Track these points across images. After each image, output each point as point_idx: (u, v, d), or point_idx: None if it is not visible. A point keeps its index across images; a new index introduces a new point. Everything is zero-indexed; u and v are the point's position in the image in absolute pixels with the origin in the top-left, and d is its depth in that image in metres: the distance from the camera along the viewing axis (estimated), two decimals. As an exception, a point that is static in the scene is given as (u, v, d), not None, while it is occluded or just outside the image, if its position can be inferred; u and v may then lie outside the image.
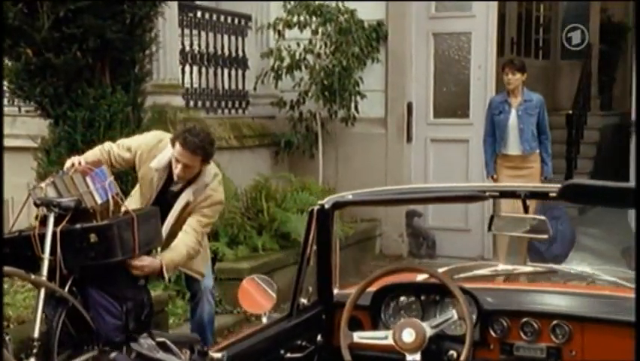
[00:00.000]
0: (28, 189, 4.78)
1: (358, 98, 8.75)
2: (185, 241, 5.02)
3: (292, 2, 8.61)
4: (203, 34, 8.57)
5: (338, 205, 3.26)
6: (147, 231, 4.77)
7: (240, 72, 9.12)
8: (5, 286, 5.58)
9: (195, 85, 8.47)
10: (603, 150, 13.80)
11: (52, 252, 4.52)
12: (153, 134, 5.29)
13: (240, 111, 9.16)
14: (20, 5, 6.15)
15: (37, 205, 4.59)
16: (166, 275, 5.05)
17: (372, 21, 8.91)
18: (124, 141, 5.24)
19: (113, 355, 2.60)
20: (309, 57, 8.68)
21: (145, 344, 2.43)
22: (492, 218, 3.33)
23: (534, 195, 3.15)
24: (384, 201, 3.52)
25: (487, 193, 3.06)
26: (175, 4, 7.63)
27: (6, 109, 6.94)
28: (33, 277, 4.46)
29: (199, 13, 8.48)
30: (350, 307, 3.18)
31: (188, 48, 8.28)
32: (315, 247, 3.40)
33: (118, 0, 6.30)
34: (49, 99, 6.41)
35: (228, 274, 6.85)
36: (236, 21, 9.04)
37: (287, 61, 8.65)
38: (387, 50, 9.02)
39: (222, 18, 8.83)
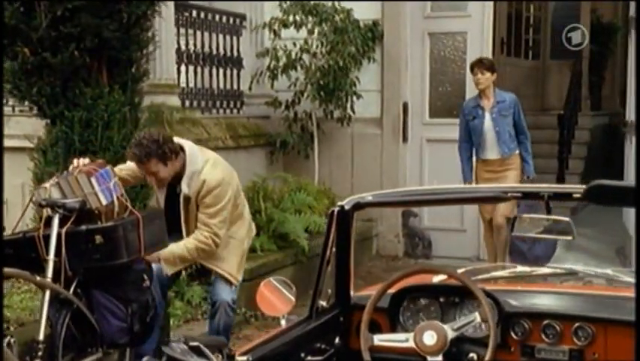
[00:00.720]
0: (32, 189, 4.71)
1: (354, 98, 8.71)
2: (193, 235, 5.07)
3: (288, 2, 8.57)
4: (197, 33, 8.51)
5: (358, 206, 3.21)
6: (152, 232, 4.73)
7: (234, 72, 9.07)
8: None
9: (191, 85, 8.41)
10: (593, 151, 13.83)
11: (57, 253, 4.47)
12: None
13: (235, 111, 9.11)
14: (17, 4, 6.08)
15: (41, 206, 4.53)
16: (164, 267, 5.08)
17: (367, 21, 8.89)
18: (130, 167, 5.28)
19: (145, 359, 2.54)
20: (305, 57, 8.63)
21: (178, 348, 2.38)
22: (514, 219, 3.30)
23: (558, 196, 3.11)
24: (405, 203, 3.47)
25: (510, 194, 3.03)
26: (171, 4, 7.58)
27: (0, 109, 6.85)
28: (38, 278, 4.40)
29: (194, 13, 8.42)
30: (370, 309, 3.15)
31: (183, 47, 8.22)
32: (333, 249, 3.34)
33: (115, -1, 6.25)
34: (46, 99, 6.34)
35: (226, 274, 6.80)
36: (231, 20, 9.00)
37: (283, 61, 8.60)
38: (382, 50, 9.00)
39: (217, 17, 8.78)
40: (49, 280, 4.43)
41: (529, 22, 15.56)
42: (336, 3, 8.58)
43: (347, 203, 3.20)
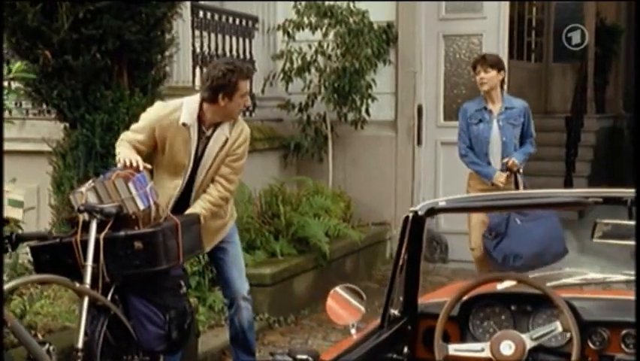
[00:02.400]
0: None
1: (369, 100, 8.64)
2: (208, 192, 4.93)
3: (303, 3, 8.49)
4: (210, 35, 8.43)
5: (432, 212, 3.12)
6: (190, 238, 4.65)
7: (247, 74, 8.97)
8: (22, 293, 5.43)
9: (206, 87, 8.31)
10: (599, 153, 13.82)
11: (95, 259, 4.38)
12: (155, 108, 5.10)
13: (247, 114, 9.01)
14: (39, 6, 6.00)
15: (80, 211, 4.43)
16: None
17: (381, 22, 8.82)
18: (134, 126, 5.05)
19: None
20: (320, 59, 8.56)
21: (283, 361, 2.31)
22: (595, 225, 3.22)
23: None
24: (480, 208, 3.39)
25: (590, 199, 2.96)
26: (188, 4, 7.49)
27: (14, 112, 6.76)
28: (78, 285, 4.31)
29: (208, 14, 8.35)
30: (444, 318, 3.06)
31: (198, 50, 8.14)
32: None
33: (137, 1, 6.16)
34: (67, 102, 6.25)
35: (249, 280, 6.71)
36: (243, 22, 8.92)
37: (298, 63, 8.53)
38: (397, 52, 8.93)
39: (231, 19, 8.70)
40: (87, 286, 4.34)
41: (531, 25, 15.53)
42: (352, 5, 8.51)
43: (420, 208, 3.11)
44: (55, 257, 4.46)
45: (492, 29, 8.74)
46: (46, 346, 4.18)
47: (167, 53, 6.56)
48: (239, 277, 5.22)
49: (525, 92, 12.08)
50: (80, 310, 4.33)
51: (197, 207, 4.91)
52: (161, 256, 4.43)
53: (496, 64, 6.59)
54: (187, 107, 4.93)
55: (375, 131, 8.98)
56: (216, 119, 4.94)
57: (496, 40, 8.72)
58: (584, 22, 14.61)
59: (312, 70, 8.63)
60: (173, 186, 5.00)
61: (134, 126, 5.06)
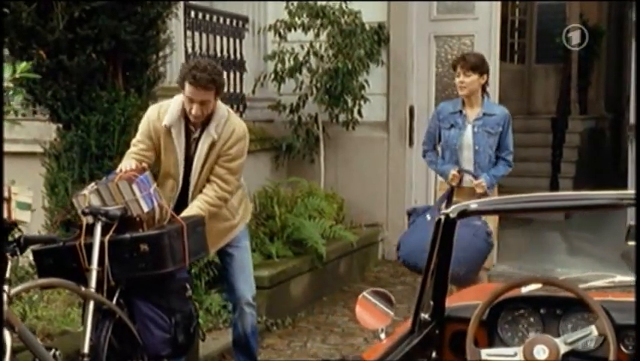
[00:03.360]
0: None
1: (362, 101, 8.60)
2: (204, 192, 4.82)
3: (295, 3, 8.44)
4: (202, 35, 8.35)
5: (463, 214, 3.07)
6: (195, 240, 4.59)
7: (237, 75, 8.92)
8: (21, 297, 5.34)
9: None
10: (583, 154, 13.86)
11: (100, 262, 4.31)
12: (148, 112, 5.05)
13: (238, 115, 8.93)
14: (34, 5, 5.90)
15: (84, 214, 4.36)
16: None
17: (373, 23, 8.78)
18: (134, 140, 5.02)
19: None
20: (312, 60, 8.51)
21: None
22: (629, 228, 3.17)
23: None
24: (512, 210, 3.33)
25: (625, 201, 2.90)
26: (181, 5, 7.41)
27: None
28: (83, 289, 4.23)
29: (200, 15, 8.27)
30: (475, 322, 3.01)
31: (190, 50, 8.06)
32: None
33: (133, 0, 6.08)
34: (62, 103, 6.16)
35: (247, 282, 6.67)
36: (233, 23, 8.85)
37: (290, 63, 8.48)
38: (388, 53, 8.90)
39: (221, 20, 8.63)
40: (93, 290, 4.27)
41: (514, 26, 15.57)
42: (344, 5, 8.46)
43: (452, 211, 3.05)
44: (59, 261, 4.39)
45: (484, 30, 8.73)
46: (52, 351, 4.11)
47: (162, 54, 6.49)
48: (244, 282, 5.14)
49: (507, 94, 12.10)
50: (85, 314, 4.26)
51: (194, 207, 4.83)
52: (167, 258, 4.37)
53: (477, 67, 5.94)
54: (172, 107, 4.85)
55: (366, 133, 8.94)
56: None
57: (488, 42, 8.70)
58: (567, 23, 14.65)
59: (304, 71, 8.56)
60: (170, 188, 4.95)
61: (134, 140, 5.01)
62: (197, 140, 4.86)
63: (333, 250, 7.64)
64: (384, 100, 8.99)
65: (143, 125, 4.97)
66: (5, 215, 3.71)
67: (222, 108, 4.92)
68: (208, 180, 4.89)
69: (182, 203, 4.92)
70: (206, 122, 4.82)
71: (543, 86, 15.42)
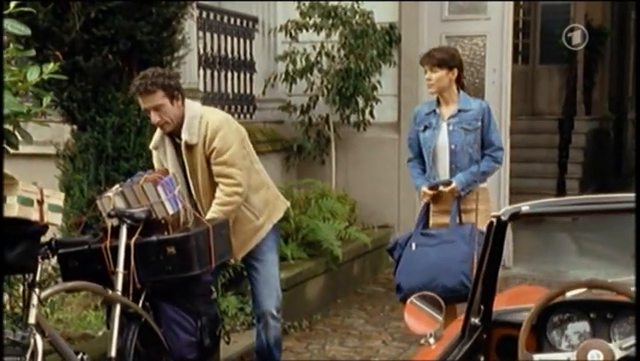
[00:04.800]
0: (97, 199, 4.49)
1: (373, 102, 8.56)
2: (217, 197, 4.76)
3: (307, 3, 8.39)
4: (213, 36, 8.32)
5: (515, 217, 3.00)
6: (221, 242, 4.54)
7: (247, 76, 8.88)
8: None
9: (208, 89, 8.21)
10: (588, 155, 13.84)
11: (126, 265, 4.26)
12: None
13: (248, 116, 8.91)
14: (51, 6, 5.85)
15: (110, 216, 4.31)
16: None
17: (384, 23, 8.73)
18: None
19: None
20: (324, 60, 8.46)
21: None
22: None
23: None
24: (565, 213, 3.27)
25: None
26: (194, 4, 7.36)
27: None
28: (110, 292, 4.18)
29: (211, 15, 8.23)
30: (527, 327, 2.96)
31: (202, 51, 8.02)
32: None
33: (149, 0, 6.04)
34: (77, 104, 6.12)
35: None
36: (243, 23, 8.81)
37: (301, 64, 8.43)
38: (399, 53, 8.85)
39: (232, 20, 8.59)
40: (119, 293, 4.22)
41: (518, 27, 15.52)
42: (356, 5, 8.41)
43: (504, 214, 2.99)
44: (84, 264, 4.33)
45: (496, 30, 8.66)
46: (80, 355, 4.06)
47: (176, 54, 6.44)
48: (268, 296, 5.03)
49: (512, 94, 12.06)
50: (112, 318, 4.21)
51: (210, 213, 4.78)
52: (194, 261, 4.32)
53: (445, 62, 5.48)
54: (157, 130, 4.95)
55: (377, 134, 8.89)
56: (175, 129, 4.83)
57: (500, 42, 8.65)
58: (571, 24, 14.62)
59: (315, 71, 8.52)
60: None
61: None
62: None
63: (347, 252, 7.59)
64: (395, 101, 8.94)
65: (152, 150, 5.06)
66: (37, 217, 3.66)
67: (193, 108, 4.83)
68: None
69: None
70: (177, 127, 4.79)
71: (547, 86, 15.39)
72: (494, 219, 3.00)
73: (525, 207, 2.99)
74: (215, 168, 4.75)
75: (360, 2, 8.49)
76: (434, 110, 5.58)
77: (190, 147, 4.74)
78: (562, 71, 14.97)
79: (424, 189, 5.53)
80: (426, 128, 5.57)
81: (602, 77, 15.91)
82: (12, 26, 3.54)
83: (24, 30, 3.56)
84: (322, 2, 8.41)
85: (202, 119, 4.75)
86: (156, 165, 4.98)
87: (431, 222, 5.55)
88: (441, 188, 5.44)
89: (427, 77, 5.58)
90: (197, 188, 4.83)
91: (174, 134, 4.81)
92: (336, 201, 8.00)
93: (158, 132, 4.90)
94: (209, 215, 4.73)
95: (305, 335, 6.57)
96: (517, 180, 10.47)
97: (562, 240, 10.53)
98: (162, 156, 4.90)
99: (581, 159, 13.49)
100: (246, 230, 4.91)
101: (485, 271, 3.07)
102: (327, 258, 7.28)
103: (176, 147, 4.83)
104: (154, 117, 4.70)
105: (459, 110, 5.50)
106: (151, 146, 4.97)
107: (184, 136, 4.72)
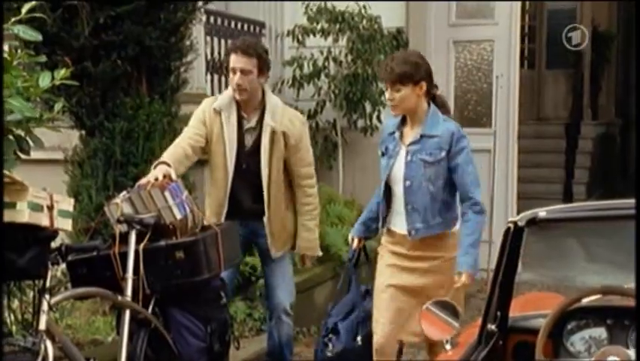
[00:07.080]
0: (105, 205, 4.49)
1: (381, 107, 8.56)
2: (303, 204, 5.05)
3: (314, 8, 8.39)
4: (221, 41, 8.33)
5: (532, 223, 2.99)
6: (229, 246, 4.55)
7: (254, 81, 8.87)
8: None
9: (216, 94, 8.20)
10: (595, 160, 13.82)
11: (135, 271, 4.26)
12: (202, 102, 5.15)
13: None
14: (59, 11, 5.86)
15: (119, 222, 4.31)
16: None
17: (391, 28, 8.73)
18: (187, 127, 5.06)
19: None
20: (331, 65, 8.47)
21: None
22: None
23: None
24: (583, 219, 3.26)
25: None
26: (202, 10, 7.37)
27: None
28: (120, 298, 4.18)
29: (219, 20, 8.25)
30: (545, 334, 2.95)
31: (209, 56, 8.04)
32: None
33: (157, 6, 6.04)
34: (86, 109, 6.12)
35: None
36: (250, 28, 8.82)
37: (309, 69, 8.44)
38: (407, 59, 8.83)
39: (239, 25, 8.60)
40: (128, 299, 4.22)
41: (524, 32, 15.51)
42: (363, 10, 8.42)
43: (520, 219, 2.98)
44: (93, 270, 4.34)
45: (503, 35, 8.67)
46: (90, 361, 4.06)
47: (185, 59, 6.45)
48: (284, 290, 5.12)
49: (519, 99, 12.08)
50: (122, 324, 4.21)
51: (303, 229, 5.06)
52: (202, 265, 4.34)
53: (408, 76, 4.34)
54: (224, 94, 5.06)
55: (385, 139, 8.87)
56: (247, 105, 4.91)
57: (508, 47, 8.65)
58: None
59: (322, 76, 8.53)
60: (221, 181, 4.97)
61: (186, 127, 5.08)
62: (254, 131, 4.92)
63: (356, 257, 7.57)
64: (402, 106, 8.91)
65: (197, 112, 5.05)
66: (48, 223, 3.67)
67: (274, 98, 5.04)
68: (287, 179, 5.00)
69: (253, 197, 4.96)
70: (260, 112, 4.90)
71: (553, 91, 15.37)
72: (511, 225, 2.99)
73: (542, 212, 2.98)
74: (299, 170, 5.00)
75: (368, 7, 8.49)
76: (397, 131, 4.54)
77: (273, 133, 4.86)
78: (568, 76, 14.94)
79: (351, 237, 4.97)
80: (383, 153, 4.61)
81: (609, 81, 15.90)
82: (23, 32, 3.54)
83: (35, 36, 3.58)
84: (330, 7, 8.41)
85: (285, 111, 4.98)
86: (191, 129, 4.95)
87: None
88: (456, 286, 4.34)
89: (389, 97, 4.46)
90: (269, 174, 4.91)
91: (244, 111, 4.92)
92: (343, 206, 8.00)
93: (226, 96, 4.98)
94: (304, 233, 5.07)
95: (314, 340, 6.54)
96: (523, 185, 10.45)
97: (568, 244, 10.47)
98: (216, 124, 4.90)
99: (588, 164, 13.47)
100: (291, 227, 5.13)
101: (502, 278, 3.06)
102: (335, 263, 7.26)
103: (239, 125, 4.93)
104: (238, 79, 4.83)
105: (421, 136, 4.40)
106: (215, 105, 4.95)
107: (270, 122, 4.87)
